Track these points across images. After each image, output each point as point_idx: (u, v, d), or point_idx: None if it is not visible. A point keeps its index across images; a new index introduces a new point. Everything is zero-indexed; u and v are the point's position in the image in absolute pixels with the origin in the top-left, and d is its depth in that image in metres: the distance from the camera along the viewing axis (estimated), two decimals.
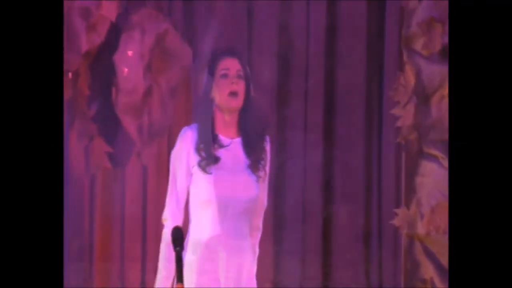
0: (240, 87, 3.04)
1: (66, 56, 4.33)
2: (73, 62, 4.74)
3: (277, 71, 4.85)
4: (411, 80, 4.70)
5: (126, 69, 4.87)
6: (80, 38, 4.75)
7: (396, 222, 4.51)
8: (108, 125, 4.86)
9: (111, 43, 4.79)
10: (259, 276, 3.46)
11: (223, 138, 3.06)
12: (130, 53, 4.85)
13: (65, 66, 4.56)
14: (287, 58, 4.97)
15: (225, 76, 3.06)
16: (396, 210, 4.56)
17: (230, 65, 3.12)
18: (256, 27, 5.03)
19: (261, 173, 3.17)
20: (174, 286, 3.05)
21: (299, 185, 5.02)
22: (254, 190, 3.09)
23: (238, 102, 3.08)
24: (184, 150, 3.08)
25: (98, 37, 4.79)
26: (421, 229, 4.51)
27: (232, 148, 3.11)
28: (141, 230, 4.97)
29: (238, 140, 3.09)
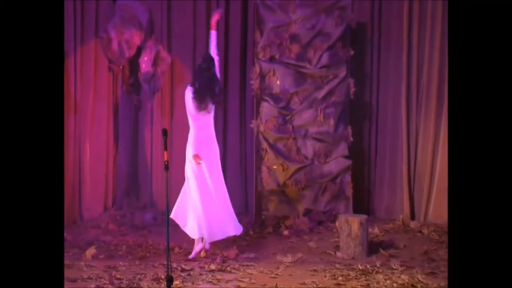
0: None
1: (119, 59, 6.56)
2: (123, 62, 6.87)
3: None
4: None
5: (143, 65, 6.92)
6: (125, 52, 6.79)
7: None
8: (136, 86, 7.12)
9: (138, 54, 7.00)
10: None
11: None
12: (145, 58, 6.89)
13: (118, 64, 6.53)
14: None
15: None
16: None
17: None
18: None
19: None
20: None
21: None
22: None
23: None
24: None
25: (132, 51, 6.93)
26: None
27: None
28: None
29: None
